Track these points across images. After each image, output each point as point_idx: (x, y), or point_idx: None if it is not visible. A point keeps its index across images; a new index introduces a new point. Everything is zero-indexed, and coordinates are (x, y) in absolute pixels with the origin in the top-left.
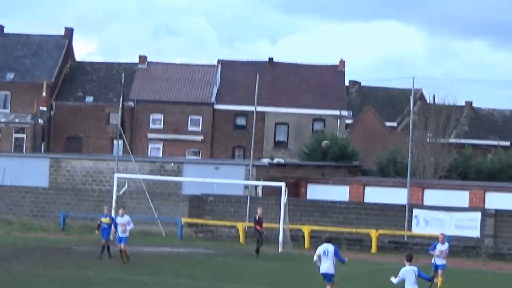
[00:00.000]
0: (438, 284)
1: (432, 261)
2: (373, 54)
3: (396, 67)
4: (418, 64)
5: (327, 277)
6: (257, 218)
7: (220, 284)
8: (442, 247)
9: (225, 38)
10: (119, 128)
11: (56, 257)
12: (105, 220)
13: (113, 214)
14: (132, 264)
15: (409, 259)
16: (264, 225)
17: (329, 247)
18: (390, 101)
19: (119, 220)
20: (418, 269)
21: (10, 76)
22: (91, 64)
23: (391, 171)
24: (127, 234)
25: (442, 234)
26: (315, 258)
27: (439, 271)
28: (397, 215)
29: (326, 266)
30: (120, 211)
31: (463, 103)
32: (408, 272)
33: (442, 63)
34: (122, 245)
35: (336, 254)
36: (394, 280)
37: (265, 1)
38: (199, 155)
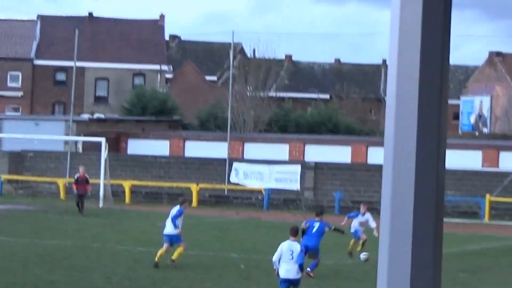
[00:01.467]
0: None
1: (352, 230)
2: (195, 9)
3: (218, 21)
4: (240, 18)
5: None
6: (76, 178)
7: (41, 241)
8: (362, 219)
9: None
10: None
11: None
12: None
13: None
14: None
15: (294, 234)
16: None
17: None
18: (211, 55)
19: None
20: (300, 251)
21: None
22: None
23: (211, 125)
24: None
25: (364, 204)
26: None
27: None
28: (217, 169)
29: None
30: None
31: (283, 57)
32: (284, 247)
33: (263, 17)
34: None
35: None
36: (275, 257)
37: None
38: (19, 111)
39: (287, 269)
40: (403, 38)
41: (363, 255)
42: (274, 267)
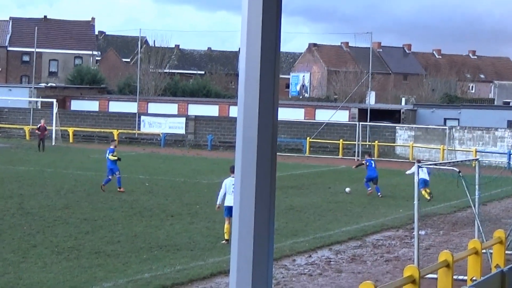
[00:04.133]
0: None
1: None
2: (116, 13)
3: (131, 21)
4: (147, 19)
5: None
6: (39, 127)
7: (13, 167)
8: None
9: None
10: None
11: None
12: None
13: None
14: None
15: (233, 171)
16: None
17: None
18: (125, 45)
19: None
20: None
21: None
22: None
23: (126, 91)
24: None
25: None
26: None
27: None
28: (131, 120)
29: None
30: None
31: (173, 46)
32: (228, 182)
33: (162, 19)
34: None
35: None
36: (221, 193)
37: None
38: None
39: (232, 198)
40: (250, 34)
41: (347, 189)
42: (218, 202)
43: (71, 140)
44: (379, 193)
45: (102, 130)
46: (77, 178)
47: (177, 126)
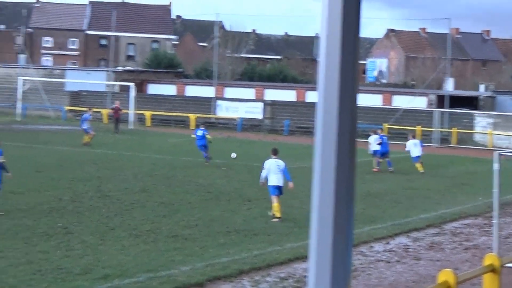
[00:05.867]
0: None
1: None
2: None
3: (208, 4)
4: (222, 2)
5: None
6: (113, 108)
7: (91, 149)
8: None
9: None
10: (22, 47)
11: None
12: None
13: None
14: (31, 137)
15: (275, 153)
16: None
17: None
18: (202, 29)
19: None
20: (284, 166)
21: None
22: (2, 3)
23: (203, 75)
24: None
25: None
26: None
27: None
28: (208, 104)
29: (277, 178)
30: None
31: (250, 30)
32: (272, 163)
33: (239, 1)
34: None
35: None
36: (263, 173)
37: None
38: (77, 65)
39: (277, 178)
40: (330, 19)
41: (233, 154)
42: (261, 180)
43: (148, 124)
44: (390, 167)
45: (179, 114)
46: (154, 161)
47: (254, 111)
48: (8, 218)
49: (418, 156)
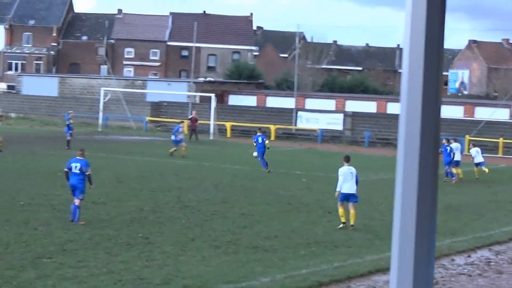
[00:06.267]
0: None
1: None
2: (274, 7)
3: (289, 16)
4: (303, 13)
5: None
6: (190, 118)
7: (172, 160)
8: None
9: None
10: (104, 58)
11: (61, 142)
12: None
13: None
14: (112, 148)
15: (347, 160)
16: (200, 122)
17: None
18: (283, 40)
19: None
20: (356, 172)
21: (31, 22)
22: (85, 14)
23: (284, 86)
24: None
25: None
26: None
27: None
28: (288, 115)
29: (348, 186)
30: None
31: (331, 41)
32: (345, 170)
33: (319, 14)
34: None
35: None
36: (340, 181)
37: None
38: (158, 76)
39: (349, 185)
40: (414, 30)
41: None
42: (338, 189)
43: (228, 135)
44: (453, 178)
45: (260, 125)
46: (234, 172)
47: (335, 122)
48: (90, 228)
49: (483, 162)
